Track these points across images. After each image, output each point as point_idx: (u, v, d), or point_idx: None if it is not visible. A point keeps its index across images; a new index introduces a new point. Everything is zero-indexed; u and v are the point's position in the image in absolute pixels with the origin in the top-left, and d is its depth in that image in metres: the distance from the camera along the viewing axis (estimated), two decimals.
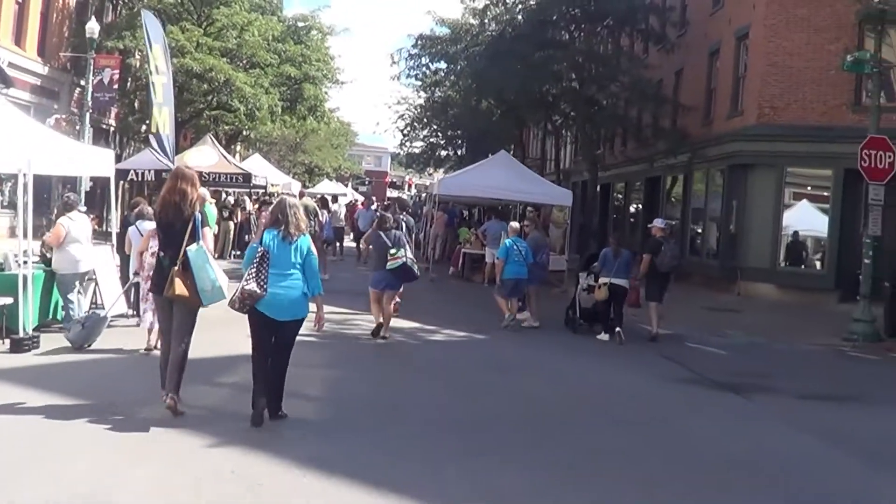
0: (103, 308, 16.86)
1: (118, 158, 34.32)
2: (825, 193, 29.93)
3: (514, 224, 22.57)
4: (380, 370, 15.07)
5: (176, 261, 10.48)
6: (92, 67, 33.74)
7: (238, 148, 62.52)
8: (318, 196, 39.60)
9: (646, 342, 20.04)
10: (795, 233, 30.87)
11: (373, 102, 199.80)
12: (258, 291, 10.21)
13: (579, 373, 16.08)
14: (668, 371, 16.87)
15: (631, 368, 16.77)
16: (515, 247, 20.37)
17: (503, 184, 29.70)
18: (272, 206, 11.93)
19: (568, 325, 21.23)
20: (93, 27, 33.04)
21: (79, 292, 16.71)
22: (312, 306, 10.86)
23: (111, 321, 16.24)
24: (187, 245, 10.53)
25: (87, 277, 17.18)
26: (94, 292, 17.87)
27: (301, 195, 31.47)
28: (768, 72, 30.34)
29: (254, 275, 10.28)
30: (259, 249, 10.48)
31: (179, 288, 10.40)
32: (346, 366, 15.13)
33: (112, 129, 45.57)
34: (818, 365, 19.31)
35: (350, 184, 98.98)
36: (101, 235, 21.77)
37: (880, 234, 22.97)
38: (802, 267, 30.77)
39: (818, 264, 30.44)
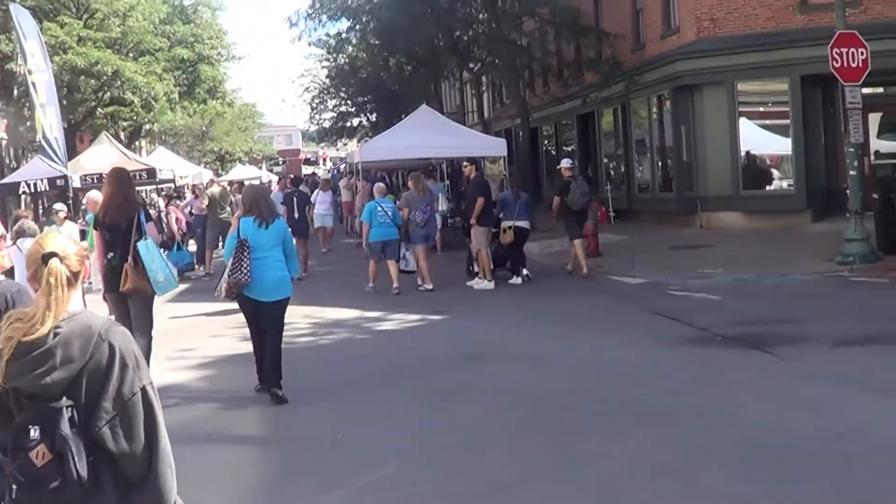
0: None
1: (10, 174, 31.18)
2: (783, 108, 27.32)
3: (381, 185, 21.94)
4: (327, 385, 12.15)
5: (126, 258, 10.75)
6: None
7: (142, 144, 59.57)
8: (234, 183, 36.88)
9: (628, 297, 17.93)
10: (754, 153, 28.28)
11: (275, 79, 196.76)
12: (243, 279, 10.67)
13: (569, 350, 13.35)
14: (668, 330, 14.37)
15: (625, 334, 14.21)
16: (380, 207, 19.69)
17: (430, 141, 26.84)
18: (242, 195, 12.64)
19: (469, 273, 20.97)
20: None
21: None
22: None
23: None
24: (135, 241, 10.77)
25: None
26: None
27: (210, 183, 29.42)
28: None
29: (236, 264, 10.69)
30: (238, 239, 10.85)
31: (134, 282, 10.70)
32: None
33: (4, 141, 42.34)
34: (825, 298, 16.80)
35: (264, 165, 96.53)
36: None
37: (862, 141, 20.57)
38: (767, 189, 28.22)
39: (784, 184, 27.89)
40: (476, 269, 20.35)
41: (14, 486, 3.84)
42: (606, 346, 13.46)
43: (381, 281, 19.87)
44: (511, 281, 20.18)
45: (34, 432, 3.75)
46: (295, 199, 23.77)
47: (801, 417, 9.14)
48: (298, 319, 15.57)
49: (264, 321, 11.07)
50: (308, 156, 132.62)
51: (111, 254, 10.96)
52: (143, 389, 4.01)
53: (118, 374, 3.95)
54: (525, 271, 20.33)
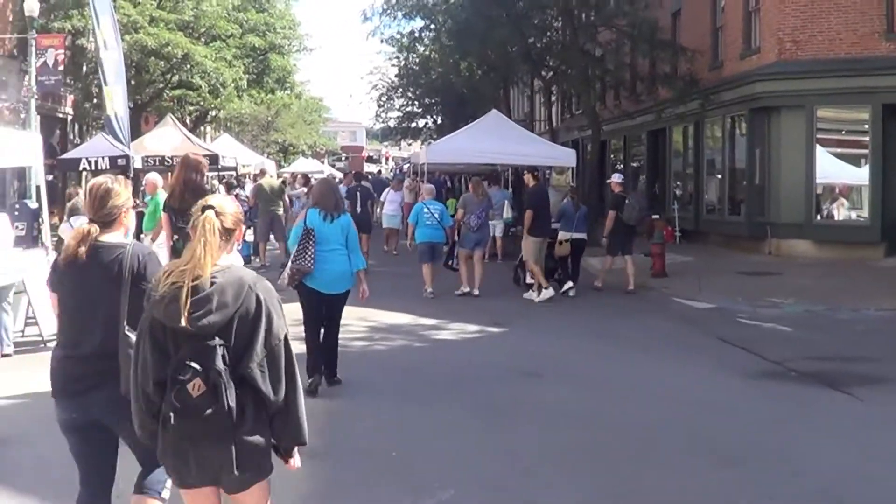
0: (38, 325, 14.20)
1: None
2: (862, 137, 26.41)
3: (429, 186, 22.24)
4: (381, 395, 11.60)
5: None
6: (34, 49, 30.31)
7: (207, 129, 59.34)
8: (297, 175, 36.39)
9: (695, 322, 17.26)
10: (829, 182, 27.23)
11: (344, 74, 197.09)
12: (306, 266, 10.87)
13: (631, 374, 12.76)
14: (738, 360, 13.68)
15: (693, 360, 13.56)
16: (426, 209, 19.74)
17: (498, 147, 26.26)
18: (313, 188, 13.08)
19: (515, 282, 21.34)
20: (32, 5, 29.56)
21: (4, 311, 13.71)
22: None
23: (48, 339, 13.59)
24: None
25: (13, 291, 14.08)
26: (28, 307, 14.77)
27: (262, 174, 28.78)
28: (786, 1, 26.82)
29: (301, 252, 10.94)
30: (305, 228, 11.07)
31: None
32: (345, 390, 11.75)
33: (69, 117, 42.24)
34: None
35: (326, 160, 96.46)
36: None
37: None
38: (842, 219, 27.19)
39: (857, 215, 26.94)
40: (524, 278, 20.44)
41: (172, 414, 4.52)
42: (672, 372, 12.84)
43: (438, 285, 19.44)
44: (562, 290, 19.98)
45: (192, 367, 4.49)
46: (358, 193, 23.73)
47: (884, 467, 8.51)
48: (353, 321, 15.02)
49: (325, 313, 11.30)
50: (371, 153, 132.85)
51: (177, 237, 11.21)
52: (286, 337, 4.82)
53: (265, 322, 4.72)
54: (572, 285, 20.18)
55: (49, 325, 14.25)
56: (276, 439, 4.88)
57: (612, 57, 34.52)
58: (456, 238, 20.27)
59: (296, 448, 4.96)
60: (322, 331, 11.32)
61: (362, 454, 8.93)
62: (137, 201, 21.91)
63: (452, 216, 21.23)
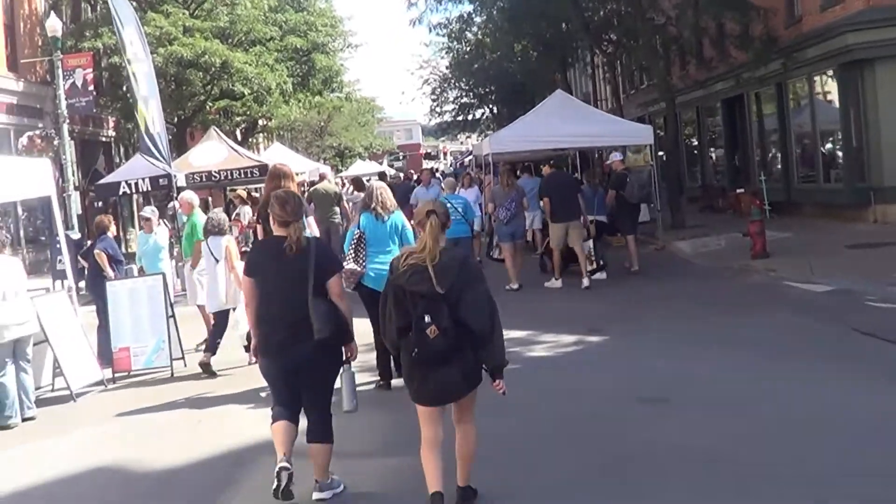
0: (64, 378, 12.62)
1: None
2: None
3: (450, 180, 22.55)
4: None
5: None
6: (61, 71, 28.59)
7: (259, 140, 57.84)
8: (348, 178, 34.50)
9: (818, 310, 14.88)
10: None
11: (394, 72, 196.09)
12: (358, 269, 11.30)
13: (774, 388, 10.35)
14: (891, 358, 11.37)
15: (838, 363, 11.28)
16: (450, 204, 17.86)
17: (567, 129, 23.72)
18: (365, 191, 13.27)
19: (542, 268, 21.28)
20: (54, 25, 27.92)
21: (21, 369, 11.84)
22: None
23: (78, 392, 12.54)
24: None
25: (31, 344, 12.14)
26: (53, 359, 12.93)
27: (321, 178, 27.00)
28: None
29: (353, 255, 11.38)
30: (356, 232, 11.57)
31: None
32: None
33: (112, 139, 40.71)
34: None
35: (385, 161, 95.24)
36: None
37: None
38: None
39: None
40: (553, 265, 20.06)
41: (416, 350, 6.82)
42: (822, 382, 10.46)
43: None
44: (595, 277, 19.51)
45: (427, 318, 6.77)
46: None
47: None
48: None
49: None
50: (428, 150, 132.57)
51: None
52: (487, 290, 7.09)
53: (475, 283, 7.04)
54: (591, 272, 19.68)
55: (78, 376, 12.77)
56: (484, 362, 7.03)
57: (684, 21, 31.89)
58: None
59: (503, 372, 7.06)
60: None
61: None
62: (169, 226, 20.34)
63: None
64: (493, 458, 8.07)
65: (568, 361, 12.75)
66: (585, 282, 18.69)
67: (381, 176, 27.20)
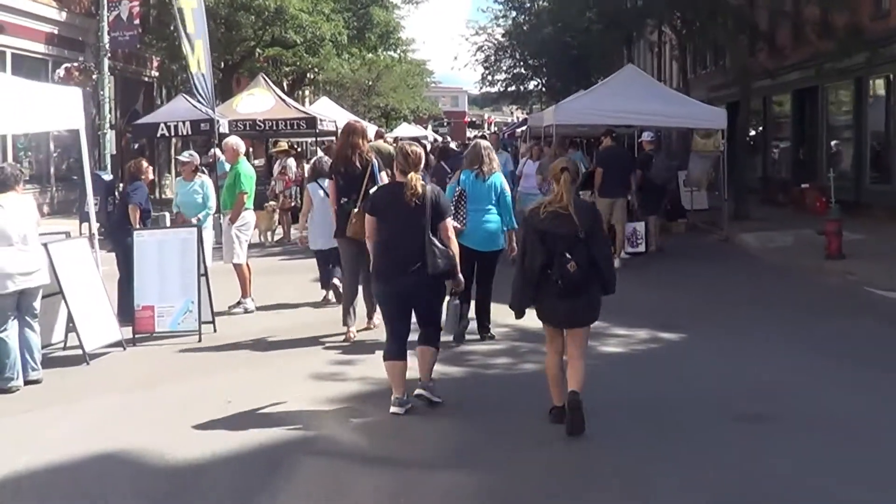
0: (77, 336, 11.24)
1: None
2: None
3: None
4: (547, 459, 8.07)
5: (357, 204, 11.52)
6: (106, 1, 27.37)
7: (306, 94, 56.76)
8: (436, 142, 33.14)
9: None
10: None
11: (448, 37, 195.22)
12: (458, 226, 11.04)
13: (886, 407, 9.03)
14: None
15: None
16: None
17: (639, 106, 22.29)
18: (468, 150, 13.39)
19: None
20: None
21: (27, 325, 10.49)
22: None
23: (92, 353, 11.30)
24: (368, 188, 11.59)
25: (40, 296, 10.72)
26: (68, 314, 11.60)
27: (377, 136, 25.61)
28: None
29: (454, 212, 11.08)
30: (457, 189, 11.83)
31: (357, 227, 10.95)
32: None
33: (154, 80, 39.56)
34: None
35: (429, 126, 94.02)
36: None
37: None
38: None
39: None
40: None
41: (559, 281, 8.02)
42: None
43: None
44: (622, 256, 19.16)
45: (568, 255, 8.02)
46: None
47: None
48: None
49: (477, 270, 11.82)
50: (473, 118, 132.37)
51: (344, 199, 11.97)
52: (603, 230, 9.02)
53: (600, 228, 8.70)
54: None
55: (93, 335, 11.40)
56: (603, 287, 8.38)
57: (766, 2, 30.29)
58: None
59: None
60: (476, 284, 11.91)
61: None
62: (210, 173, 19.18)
63: None
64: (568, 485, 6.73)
65: (645, 362, 11.42)
66: (616, 262, 17.04)
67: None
